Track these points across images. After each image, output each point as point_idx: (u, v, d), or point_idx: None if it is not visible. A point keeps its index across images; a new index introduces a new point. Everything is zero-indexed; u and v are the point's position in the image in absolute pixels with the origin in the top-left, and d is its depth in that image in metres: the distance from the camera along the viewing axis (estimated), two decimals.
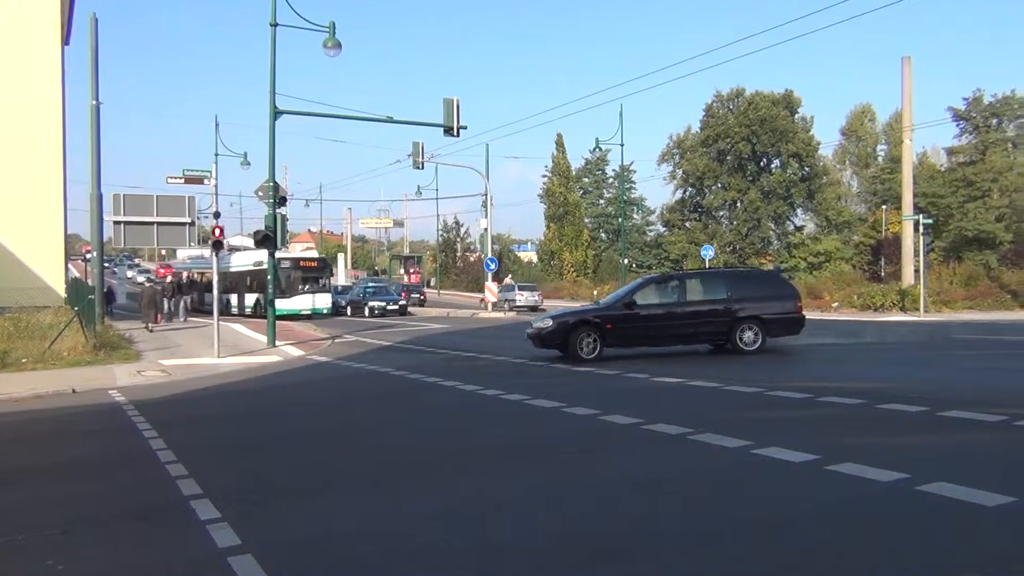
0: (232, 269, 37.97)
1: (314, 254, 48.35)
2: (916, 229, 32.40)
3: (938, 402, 8.35)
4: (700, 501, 5.44)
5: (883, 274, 49.61)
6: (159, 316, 28.58)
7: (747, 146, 62.40)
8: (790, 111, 63.29)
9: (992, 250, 54.45)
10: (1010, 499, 4.84)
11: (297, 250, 75.80)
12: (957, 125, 63.00)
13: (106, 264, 47.81)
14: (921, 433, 7.33)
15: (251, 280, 37.40)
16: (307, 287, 35.95)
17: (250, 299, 37.37)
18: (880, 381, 10.86)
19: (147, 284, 37.55)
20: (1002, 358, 14.55)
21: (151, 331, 25.32)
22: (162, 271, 71.37)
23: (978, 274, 35.09)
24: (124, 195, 20.94)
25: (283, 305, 31.80)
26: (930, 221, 33.01)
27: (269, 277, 21.79)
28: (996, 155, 59.94)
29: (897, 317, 28.62)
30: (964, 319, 26.65)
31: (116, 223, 20.41)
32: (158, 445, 8.08)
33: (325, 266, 39.29)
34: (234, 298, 38.28)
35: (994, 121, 61.61)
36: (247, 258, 38.20)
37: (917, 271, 31.74)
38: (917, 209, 38.41)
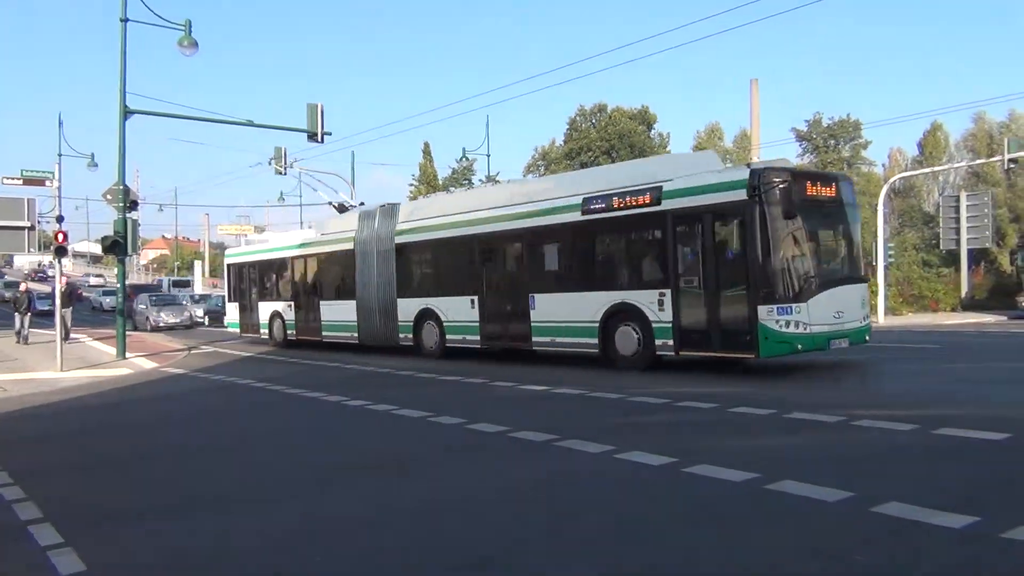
0: (338, 247, 20.27)
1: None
2: None
3: (784, 405, 8.86)
4: (565, 504, 5.55)
5: None
6: None
7: (607, 160, 64.31)
8: (647, 126, 65.78)
9: None
10: (849, 494, 5.19)
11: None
12: (800, 145, 67.46)
13: None
14: (769, 435, 7.76)
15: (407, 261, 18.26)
16: (831, 263, 13.08)
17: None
18: (732, 385, 11.39)
19: None
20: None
21: None
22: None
23: None
24: None
25: (803, 328, 11.82)
26: None
27: (119, 285, 20.63)
28: None
29: None
30: None
31: None
32: None
33: (848, 199, 13.23)
34: (334, 311, 20.50)
35: (832, 142, 66.31)
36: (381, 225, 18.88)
37: None
38: None
